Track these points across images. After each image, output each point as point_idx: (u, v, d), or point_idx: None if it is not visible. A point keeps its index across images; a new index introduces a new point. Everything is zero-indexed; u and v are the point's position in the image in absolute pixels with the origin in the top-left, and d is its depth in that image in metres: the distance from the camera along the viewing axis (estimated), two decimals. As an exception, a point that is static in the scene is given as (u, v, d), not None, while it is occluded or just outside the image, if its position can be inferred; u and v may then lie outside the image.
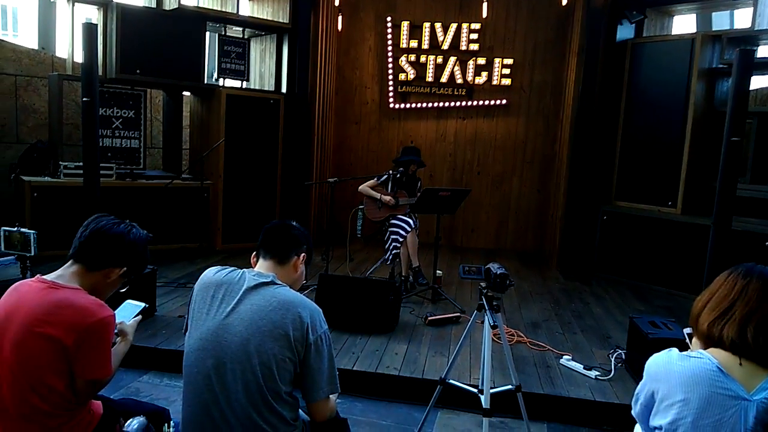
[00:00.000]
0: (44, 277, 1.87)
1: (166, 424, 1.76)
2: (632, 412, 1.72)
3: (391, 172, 5.51)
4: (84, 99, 4.26)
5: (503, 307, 2.80)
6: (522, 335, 4.35)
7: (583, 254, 6.40)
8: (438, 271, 5.25)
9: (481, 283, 2.44)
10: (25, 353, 1.74)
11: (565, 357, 3.94)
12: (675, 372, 1.51)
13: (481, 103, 7.65)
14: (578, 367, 3.80)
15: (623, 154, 6.45)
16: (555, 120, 7.48)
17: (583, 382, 3.64)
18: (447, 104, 7.72)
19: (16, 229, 4.14)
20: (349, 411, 3.34)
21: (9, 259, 4.65)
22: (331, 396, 1.93)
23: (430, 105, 7.76)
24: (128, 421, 1.92)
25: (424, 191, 5.11)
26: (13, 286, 1.90)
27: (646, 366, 1.63)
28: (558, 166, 7.15)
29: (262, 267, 1.99)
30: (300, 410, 1.93)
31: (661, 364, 1.57)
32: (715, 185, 3.74)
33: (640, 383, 1.65)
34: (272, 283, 1.89)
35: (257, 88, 7.20)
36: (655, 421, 1.56)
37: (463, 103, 7.68)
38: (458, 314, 4.69)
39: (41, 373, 1.74)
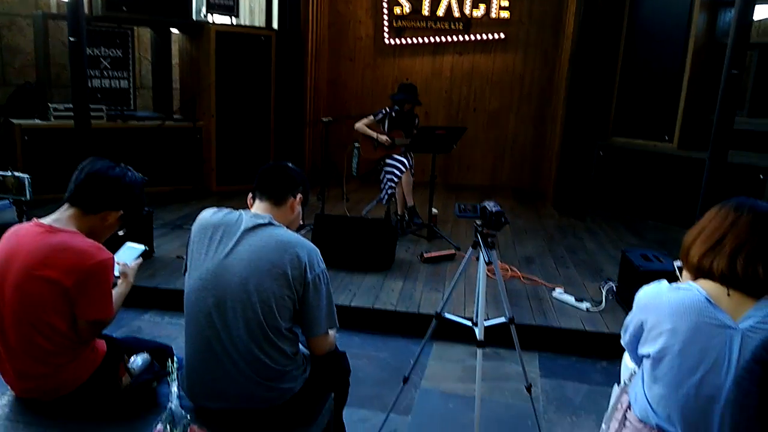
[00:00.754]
0: (41, 220, 1.88)
1: (169, 360, 1.81)
2: (621, 341, 1.78)
3: (387, 109, 5.43)
4: (71, 38, 4.13)
5: (498, 243, 2.85)
6: (516, 270, 4.43)
7: (578, 190, 6.43)
8: (433, 210, 5.27)
9: (477, 221, 2.45)
10: (26, 296, 1.77)
11: (557, 290, 4.03)
12: (664, 303, 1.55)
13: (478, 37, 7.47)
14: (570, 299, 3.89)
15: (622, 89, 6.37)
16: (554, 54, 7.33)
17: (574, 313, 3.74)
18: (443, 39, 7.53)
19: (9, 173, 4.12)
20: (347, 345, 3.41)
21: (4, 203, 4.65)
22: (330, 331, 1.98)
23: (425, 40, 7.58)
24: (132, 358, 1.97)
25: (420, 130, 5.06)
26: (10, 230, 1.91)
27: (636, 297, 1.67)
28: (555, 102, 7.06)
29: (258, 208, 2.00)
30: (300, 344, 1.98)
31: (651, 295, 1.61)
32: (713, 119, 3.71)
33: (630, 313, 1.69)
34: (269, 224, 1.90)
35: (247, 24, 6.99)
36: (644, 350, 1.61)
37: (460, 38, 7.50)
38: (453, 251, 4.76)
39: (43, 314, 1.78)
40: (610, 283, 4.05)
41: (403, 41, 7.63)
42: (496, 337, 3.14)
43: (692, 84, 5.85)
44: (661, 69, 6.01)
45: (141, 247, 2.33)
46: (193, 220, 1.98)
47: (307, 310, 1.88)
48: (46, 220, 1.88)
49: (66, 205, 1.92)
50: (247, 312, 1.79)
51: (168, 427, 1.68)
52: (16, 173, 4.09)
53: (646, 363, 1.61)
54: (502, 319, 2.58)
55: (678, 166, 5.82)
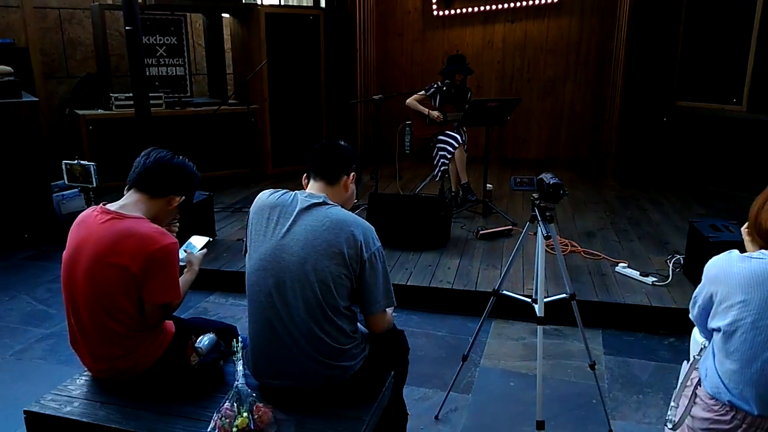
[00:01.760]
0: (108, 206, 1.95)
1: (234, 340, 1.86)
2: (690, 315, 1.70)
3: (438, 83, 5.34)
4: (127, 28, 4.25)
5: (556, 217, 2.76)
6: (576, 245, 4.32)
7: (640, 159, 6.18)
8: (488, 185, 5.18)
9: (534, 194, 2.39)
10: (97, 282, 1.85)
11: (620, 265, 3.90)
12: (735, 273, 1.48)
13: (530, 2, 7.21)
14: (634, 274, 3.76)
15: (685, 51, 6.03)
16: (611, 17, 7.00)
17: (639, 288, 3.62)
18: (494, 6, 7.32)
19: (76, 161, 4.31)
20: (405, 323, 3.45)
21: (73, 191, 4.88)
22: (387, 309, 1.98)
23: (475, 9, 7.38)
24: (199, 338, 2.03)
25: (472, 103, 4.96)
26: (78, 218, 2.00)
27: (705, 269, 1.59)
28: (615, 67, 6.77)
29: (313, 188, 2.01)
30: (359, 323, 1.99)
31: (721, 266, 1.53)
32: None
33: (699, 286, 1.62)
34: (324, 203, 1.91)
35: (295, 4, 6.99)
36: (714, 323, 1.54)
37: (512, 4, 7.27)
38: (510, 227, 4.67)
39: (113, 299, 1.85)
40: (677, 256, 3.89)
41: (452, 12, 7.46)
42: (557, 314, 3.09)
43: (762, 41, 5.47)
44: (728, 26, 5.66)
45: (206, 238, 2.42)
46: (251, 202, 2.02)
47: (364, 289, 1.88)
48: (113, 206, 1.95)
49: (132, 191, 2.00)
50: (306, 291, 1.81)
51: (235, 405, 1.73)
52: (83, 162, 4.28)
53: (717, 337, 1.54)
54: (562, 296, 2.52)
55: (747, 130, 5.50)
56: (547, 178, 2.35)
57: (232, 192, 5.82)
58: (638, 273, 3.75)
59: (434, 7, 7.48)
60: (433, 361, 3.12)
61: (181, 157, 2.09)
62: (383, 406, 1.99)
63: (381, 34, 7.74)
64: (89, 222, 1.93)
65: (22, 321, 3.58)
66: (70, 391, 1.97)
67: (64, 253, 1.95)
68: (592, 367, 2.55)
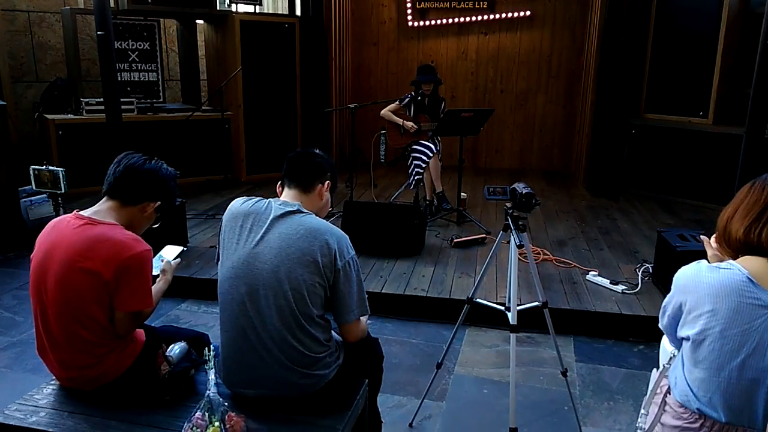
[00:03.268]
0: (81, 213, 1.92)
1: (206, 348, 1.84)
2: (659, 324, 1.74)
3: (412, 94, 5.39)
4: (99, 33, 4.19)
5: (529, 226, 2.79)
6: (548, 253, 4.38)
7: (610, 170, 6.30)
8: (462, 194, 5.23)
9: (507, 204, 2.42)
10: (68, 288, 1.82)
11: (591, 273, 3.97)
12: (704, 283, 1.51)
13: (503, 15, 7.34)
14: (605, 282, 3.83)
15: (653, 65, 6.19)
16: (582, 30, 7.16)
17: (609, 296, 3.68)
18: (468, 19, 7.42)
19: (44, 167, 4.22)
20: (380, 331, 3.45)
21: (41, 197, 4.78)
22: (361, 318, 1.98)
23: (450, 21, 7.48)
24: (170, 347, 2.00)
25: (446, 113, 5.01)
26: (50, 223, 1.96)
27: (674, 278, 1.62)
28: (585, 80, 6.91)
29: (287, 196, 2.01)
30: (333, 331, 1.99)
31: (690, 276, 1.56)
32: (749, 92, 3.59)
33: (668, 296, 1.65)
34: (298, 211, 1.90)
35: (271, 12, 6.99)
36: (683, 332, 1.57)
37: (485, 17, 7.38)
38: (484, 235, 4.72)
39: (84, 306, 1.82)
40: (646, 264, 3.97)
41: (427, 23, 7.54)
42: (530, 322, 3.12)
43: (727, 56, 5.65)
44: (694, 41, 5.82)
45: (180, 248, 2.39)
46: (225, 210, 2.00)
47: (338, 297, 1.88)
48: (86, 213, 1.92)
49: (105, 198, 1.97)
50: (279, 300, 1.80)
51: (206, 414, 1.71)
52: (51, 167, 4.19)
53: (686, 346, 1.57)
54: (535, 303, 2.55)
55: (713, 142, 5.65)
56: (520, 187, 2.39)
57: (205, 199, 5.76)
58: (608, 281, 3.82)
59: (409, 17, 7.55)
60: (407, 368, 3.13)
61: (154, 161, 2.04)
62: (357, 415, 1.99)
63: (356, 44, 7.78)
64: (61, 227, 1.89)
65: (-15, 330, 3.48)
66: (36, 400, 1.92)
67: (33, 257, 1.91)
68: (564, 374, 2.59)
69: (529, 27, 7.39)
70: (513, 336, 2.38)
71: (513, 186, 2.42)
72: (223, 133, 6.32)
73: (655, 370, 1.89)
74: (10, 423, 1.82)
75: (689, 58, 5.89)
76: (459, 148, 5.07)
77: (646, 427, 1.67)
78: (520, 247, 2.32)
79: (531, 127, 7.68)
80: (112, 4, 5.61)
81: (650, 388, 1.78)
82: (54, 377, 1.99)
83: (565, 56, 7.38)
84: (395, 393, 2.87)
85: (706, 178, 5.74)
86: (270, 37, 6.39)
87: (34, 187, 4.33)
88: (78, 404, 1.90)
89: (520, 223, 2.38)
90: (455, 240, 4.58)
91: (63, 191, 4.18)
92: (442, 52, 7.64)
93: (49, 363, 1.95)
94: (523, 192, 2.36)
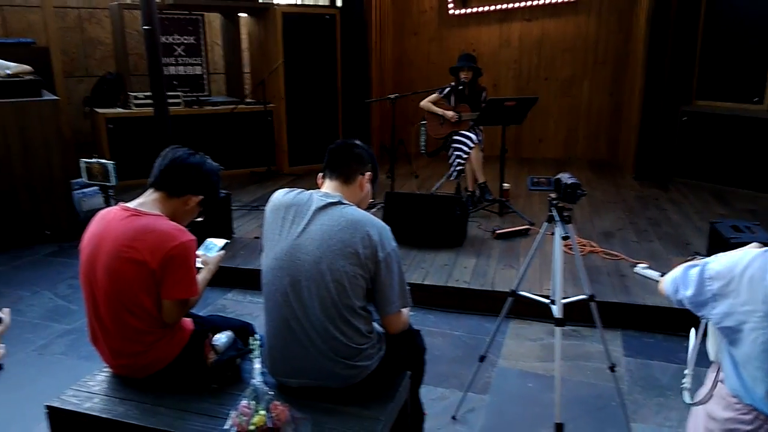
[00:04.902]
0: (127, 204, 1.97)
1: (251, 337, 1.86)
2: (680, 294, 1.58)
3: (452, 84, 5.32)
4: (145, 27, 4.28)
5: (574, 217, 2.71)
6: (594, 245, 4.27)
7: (660, 159, 6.10)
8: (505, 184, 5.15)
9: (551, 194, 2.36)
10: (117, 278, 1.87)
11: (640, 265, 3.85)
12: (765, 286, 1.40)
13: (548, 1, 7.15)
14: (654, 275, 3.71)
15: (705, 49, 5.94)
16: (629, 15, 6.92)
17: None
18: (511, 5, 7.27)
19: (94, 160, 4.35)
20: (421, 323, 3.44)
21: (93, 189, 4.94)
22: (403, 309, 1.97)
23: (492, 8, 7.34)
24: (217, 336, 2.04)
25: (489, 102, 4.93)
26: (98, 214, 2.02)
27: (729, 258, 1.47)
28: (633, 66, 6.69)
29: (328, 187, 2.01)
30: (374, 323, 1.99)
31: (753, 271, 1.44)
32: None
33: (707, 268, 1.50)
34: (339, 203, 1.90)
35: (312, 3, 7.01)
36: (724, 322, 1.46)
37: (528, 3, 7.21)
38: (527, 227, 4.64)
39: (133, 295, 1.87)
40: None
41: (469, 11, 7.43)
42: (576, 315, 3.05)
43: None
44: (748, 24, 5.56)
45: (223, 242, 2.42)
46: (268, 201, 2.02)
47: (379, 289, 1.88)
48: (132, 204, 1.97)
49: (151, 190, 2.02)
50: (321, 291, 1.81)
51: (252, 402, 1.73)
52: (102, 160, 4.32)
53: (735, 342, 1.48)
54: (581, 297, 2.49)
55: (770, 129, 5.41)
56: (565, 178, 2.33)
57: (249, 190, 5.85)
58: (658, 274, 3.70)
59: (450, 5, 7.45)
60: (449, 360, 3.11)
61: (199, 155, 2.08)
62: (400, 406, 1.99)
63: (397, 33, 7.73)
64: (108, 218, 1.95)
65: (44, 317, 3.63)
66: (90, 386, 1.99)
67: (82, 249, 1.97)
68: (612, 369, 2.52)
69: (574, 12, 7.19)
70: (558, 329, 2.33)
71: (557, 176, 2.37)
72: (266, 125, 6.39)
73: (693, 329, 1.76)
74: (67, 408, 1.89)
75: (743, 42, 5.63)
76: (501, 137, 4.99)
77: (702, 397, 1.60)
78: (565, 238, 2.27)
79: (576, 115, 7.49)
80: None
81: (690, 346, 1.71)
82: (106, 365, 2.06)
83: (612, 42, 7.15)
84: (438, 385, 2.86)
85: (761, 167, 5.49)
86: (311, 28, 6.42)
87: (85, 180, 4.47)
88: (129, 391, 1.96)
89: (565, 214, 2.32)
90: (497, 231, 4.52)
91: (113, 183, 4.30)
92: (484, 40, 7.52)
93: (102, 351, 2.01)
94: (568, 182, 2.30)
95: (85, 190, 4.99)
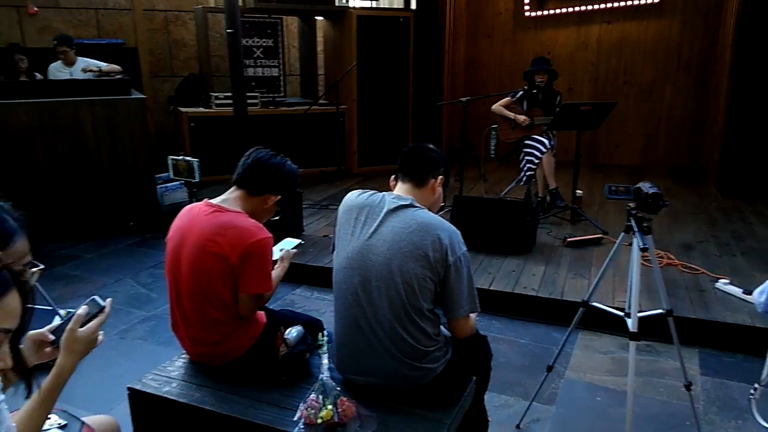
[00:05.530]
0: (211, 200, 2.08)
1: (320, 333, 1.91)
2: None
3: (525, 88, 5.23)
4: (228, 30, 4.46)
5: (653, 228, 2.62)
6: (673, 258, 4.09)
7: (746, 169, 5.76)
8: (578, 191, 5.02)
9: (630, 204, 2.29)
10: (199, 270, 1.97)
11: (721, 281, 3.66)
12: None
13: (629, 3, 6.91)
14: (736, 291, 3.51)
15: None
16: (716, 18, 6.58)
17: (741, 307, 3.38)
18: (589, 7, 7.07)
19: (181, 157, 4.57)
20: (487, 329, 3.40)
21: (175, 184, 5.20)
22: (471, 314, 1.97)
23: (570, 9, 7.17)
24: (288, 330, 2.10)
25: (563, 107, 4.81)
26: (184, 209, 2.14)
27: None
28: (719, 71, 6.35)
29: (400, 190, 2.03)
30: (442, 326, 1.99)
31: None
32: None
33: None
34: (411, 205, 1.92)
35: (386, 6, 7.08)
36: None
37: (608, 5, 6.99)
38: (600, 235, 4.50)
39: (213, 287, 1.96)
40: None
41: (546, 12, 7.28)
42: (650, 330, 2.93)
43: None
44: None
45: (297, 241, 2.51)
46: (338, 200, 2.07)
47: (448, 293, 1.88)
48: (216, 200, 2.07)
49: (234, 187, 2.12)
50: (391, 292, 1.83)
51: (320, 397, 1.78)
52: (188, 158, 4.53)
53: None
54: (659, 311, 2.40)
55: None
56: (646, 187, 2.25)
57: (320, 189, 5.97)
58: (741, 290, 3.50)
59: (527, 7, 7.32)
60: (515, 368, 3.06)
61: (280, 157, 2.17)
62: (464, 411, 1.98)
63: (470, 36, 7.67)
64: (194, 213, 2.06)
65: (126, 303, 3.85)
66: (169, 372, 2.10)
67: (169, 240, 2.08)
68: (688, 387, 2.41)
69: (657, 15, 6.90)
70: (632, 344, 2.26)
71: (638, 185, 2.29)
72: (338, 126, 6.51)
73: None
74: (147, 391, 2.00)
75: None
76: (576, 143, 4.86)
77: None
78: (644, 250, 2.19)
79: (656, 122, 7.19)
80: (240, 3, 5.97)
81: None
82: (185, 352, 2.17)
83: (697, 46, 6.82)
84: (503, 392, 2.83)
85: None
86: (385, 31, 6.48)
87: (171, 176, 4.71)
88: (205, 378, 2.05)
89: (644, 224, 2.24)
90: (569, 239, 4.41)
91: (197, 180, 4.50)
92: (561, 43, 7.34)
93: (181, 339, 2.12)
94: (649, 192, 2.22)
95: (167, 184, 5.26)
